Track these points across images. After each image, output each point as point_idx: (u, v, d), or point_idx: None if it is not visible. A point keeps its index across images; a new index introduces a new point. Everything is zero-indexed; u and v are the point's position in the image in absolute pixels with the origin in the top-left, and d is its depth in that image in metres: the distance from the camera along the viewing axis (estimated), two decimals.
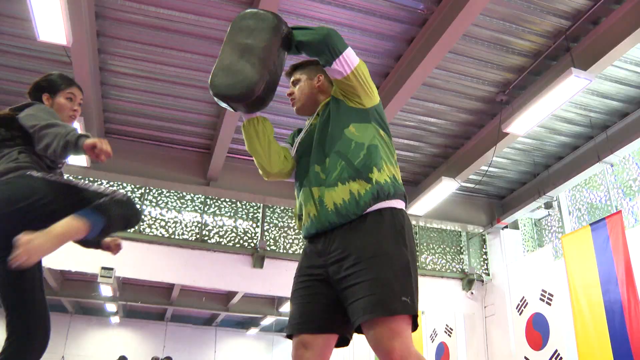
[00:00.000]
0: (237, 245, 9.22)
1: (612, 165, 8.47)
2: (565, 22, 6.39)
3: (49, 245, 2.32)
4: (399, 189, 2.35)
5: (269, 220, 9.53)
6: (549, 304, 8.65)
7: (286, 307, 15.87)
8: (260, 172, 2.58)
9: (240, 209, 9.47)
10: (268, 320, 18.02)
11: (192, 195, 9.35)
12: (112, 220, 2.54)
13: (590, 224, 7.81)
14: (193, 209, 9.30)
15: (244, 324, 19.91)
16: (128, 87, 7.61)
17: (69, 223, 2.40)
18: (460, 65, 7.03)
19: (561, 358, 8.27)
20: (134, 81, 7.49)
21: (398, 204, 2.32)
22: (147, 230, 8.99)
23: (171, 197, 9.37)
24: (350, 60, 2.39)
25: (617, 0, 6.06)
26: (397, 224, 2.25)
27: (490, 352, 10.09)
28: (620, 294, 7.12)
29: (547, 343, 8.55)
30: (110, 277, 8.50)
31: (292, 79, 2.73)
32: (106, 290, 11.45)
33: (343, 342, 2.36)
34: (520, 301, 9.31)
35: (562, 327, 8.42)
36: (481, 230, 10.58)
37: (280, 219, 9.62)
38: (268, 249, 9.16)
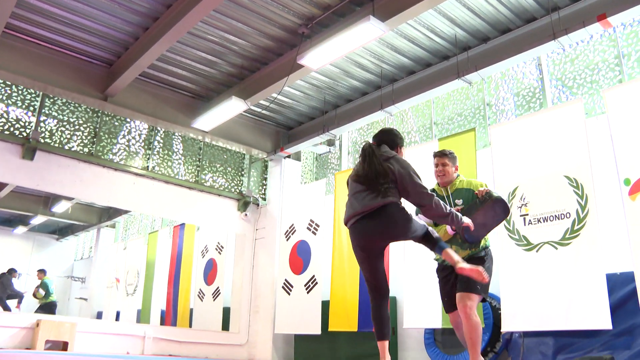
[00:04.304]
0: (7, 133, 8.40)
1: (391, 115, 9.17)
2: None
3: None
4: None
5: (47, 112, 8.79)
6: (315, 234, 9.29)
7: (59, 207, 15.10)
8: None
9: (15, 94, 8.59)
10: (39, 220, 17.03)
11: None
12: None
13: None
14: None
15: (11, 222, 18.57)
16: None
17: None
18: None
19: (317, 283, 9.00)
20: None
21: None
22: None
23: None
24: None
25: None
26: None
27: (255, 272, 10.58)
28: None
29: (307, 268, 9.23)
30: None
31: (443, 160, 4.59)
32: None
33: None
34: (289, 228, 9.86)
35: (322, 256, 9.11)
36: (265, 156, 10.86)
37: (60, 112, 8.90)
38: (42, 141, 8.52)
